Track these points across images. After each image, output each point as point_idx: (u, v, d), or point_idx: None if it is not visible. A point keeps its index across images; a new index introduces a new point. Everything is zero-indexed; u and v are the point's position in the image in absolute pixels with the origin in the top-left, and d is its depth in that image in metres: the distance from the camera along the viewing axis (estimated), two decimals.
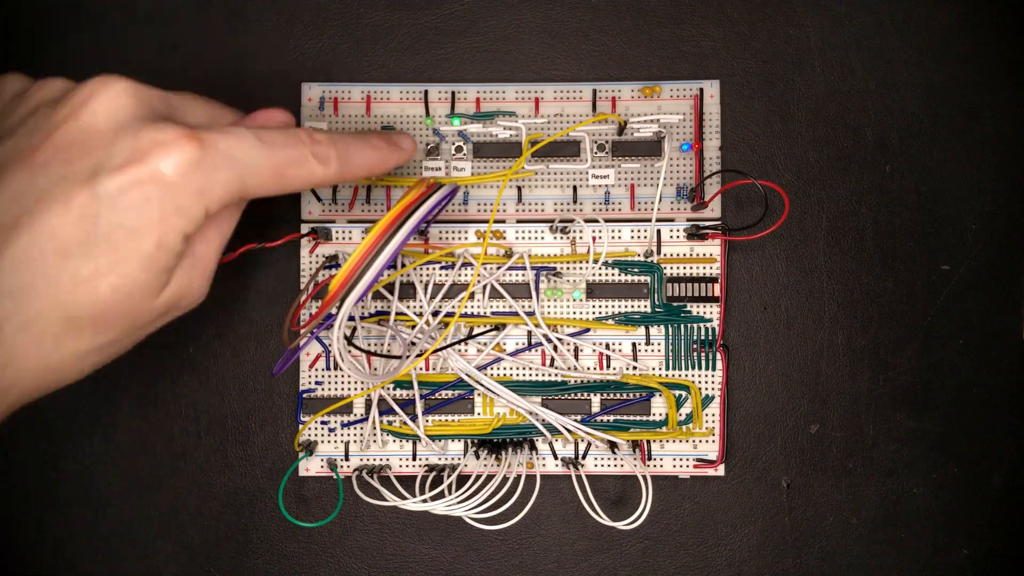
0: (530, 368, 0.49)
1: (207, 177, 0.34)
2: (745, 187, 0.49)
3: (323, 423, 0.49)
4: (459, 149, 0.49)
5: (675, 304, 0.49)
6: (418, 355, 0.47)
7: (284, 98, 0.50)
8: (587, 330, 0.49)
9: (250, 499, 0.50)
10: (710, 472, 0.49)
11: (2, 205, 0.33)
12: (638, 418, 0.49)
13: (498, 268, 0.48)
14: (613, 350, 0.49)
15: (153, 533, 0.50)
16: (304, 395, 0.49)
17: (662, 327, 0.49)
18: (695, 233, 0.48)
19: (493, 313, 0.49)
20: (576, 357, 0.49)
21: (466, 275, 0.49)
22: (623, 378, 0.48)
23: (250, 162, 0.35)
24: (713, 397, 0.49)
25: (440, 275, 0.49)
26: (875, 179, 0.50)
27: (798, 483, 0.50)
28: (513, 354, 0.49)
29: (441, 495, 0.46)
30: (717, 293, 0.49)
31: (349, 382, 0.49)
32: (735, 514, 0.50)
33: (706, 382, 0.49)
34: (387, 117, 0.49)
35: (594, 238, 0.49)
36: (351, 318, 0.48)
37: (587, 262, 0.49)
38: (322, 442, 0.49)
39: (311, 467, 0.49)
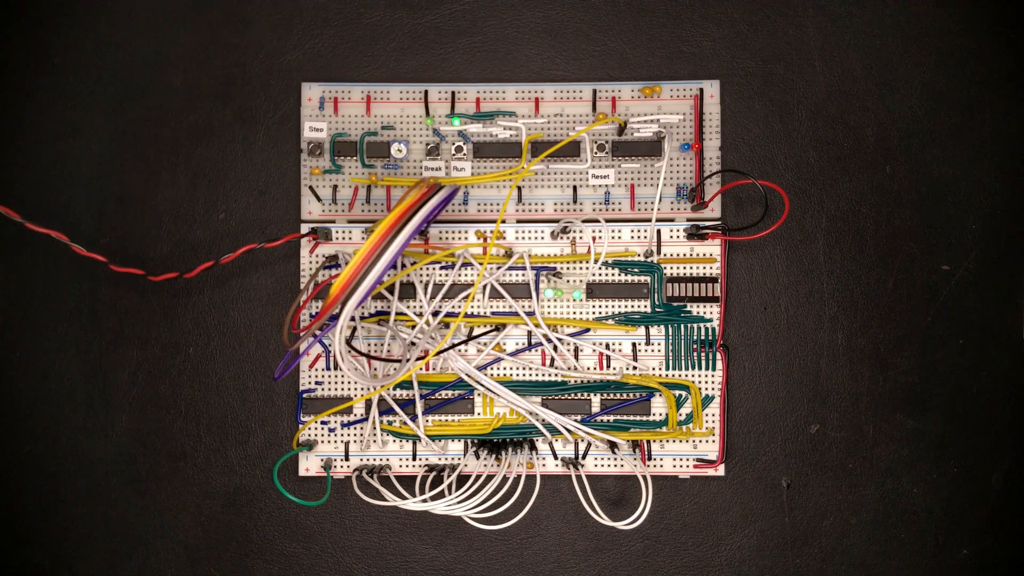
0: (530, 368, 0.49)
1: None
2: (745, 187, 0.49)
3: (323, 423, 0.49)
4: (459, 149, 0.49)
5: (675, 304, 0.49)
6: (419, 358, 0.47)
7: (284, 98, 0.50)
8: (587, 330, 0.49)
9: (250, 499, 0.50)
10: (710, 472, 0.49)
11: None
12: (638, 418, 0.49)
13: (498, 268, 0.48)
14: (613, 350, 0.49)
15: (153, 533, 0.50)
16: (304, 395, 0.49)
17: (662, 327, 0.49)
18: (695, 233, 0.48)
19: (493, 313, 0.49)
20: (576, 357, 0.49)
21: (466, 275, 0.49)
22: (623, 378, 0.48)
23: None
24: (713, 397, 0.49)
25: (440, 275, 0.49)
26: (875, 179, 0.50)
27: (798, 483, 0.50)
28: (513, 354, 0.49)
29: (441, 495, 0.46)
30: (717, 293, 0.49)
31: (349, 382, 0.49)
32: (735, 514, 0.50)
33: (706, 382, 0.49)
34: (387, 117, 0.49)
35: (594, 238, 0.49)
36: (351, 319, 0.48)
37: (587, 262, 0.49)
38: (322, 442, 0.49)
39: (311, 467, 0.49)
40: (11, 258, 0.50)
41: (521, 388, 0.48)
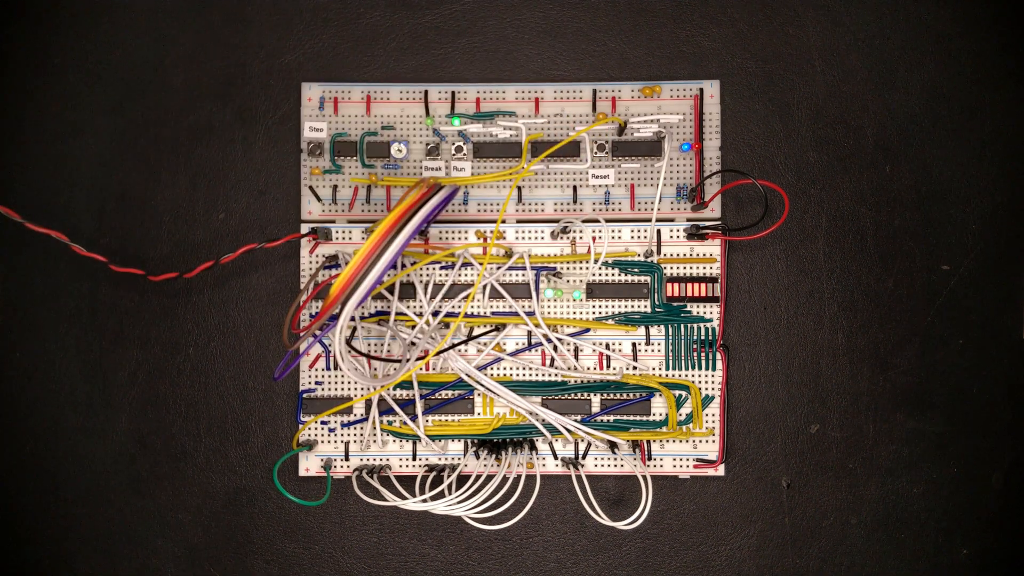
0: (530, 368, 0.49)
1: None
2: (745, 187, 0.49)
3: (323, 423, 0.49)
4: (459, 149, 0.49)
5: (675, 304, 0.49)
6: (419, 358, 0.47)
7: (284, 98, 0.50)
8: (587, 330, 0.49)
9: (250, 499, 0.50)
10: (710, 472, 0.49)
11: None
12: (638, 418, 0.49)
13: (498, 268, 0.48)
14: (613, 350, 0.49)
15: (153, 533, 0.50)
16: (304, 395, 0.49)
17: (662, 327, 0.49)
18: (695, 233, 0.48)
19: (493, 313, 0.49)
20: (576, 357, 0.49)
21: (466, 275, 0.49)
22: (623, 378, 0.48)
23: None
24: (713, 397, 0.49)
25: (440, 275, 0.49)
26: (875, 179, 0.50)
27: (798, 483, 0.50)
28: (513, 354, 0.49)
29: (441, 495, 0.46)
30: (717, 293, 0.49)
31: (349, 382, 0.49)
32: (735, 514, 0.50)
33: (706, 382, 0.49)
34: (387, 117, 0.49)
35: (594, 238, 0.49)
36: (351, 319, 0.48)
37: (587, 262, 0.49)
38: (322, 442, 0.49)
39: (311, 467, 0.49)
40: (11, 258, 0.50)
41: (521, 388, 0.48)
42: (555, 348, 0.48)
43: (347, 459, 0.49)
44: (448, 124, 0.49)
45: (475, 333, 0.49)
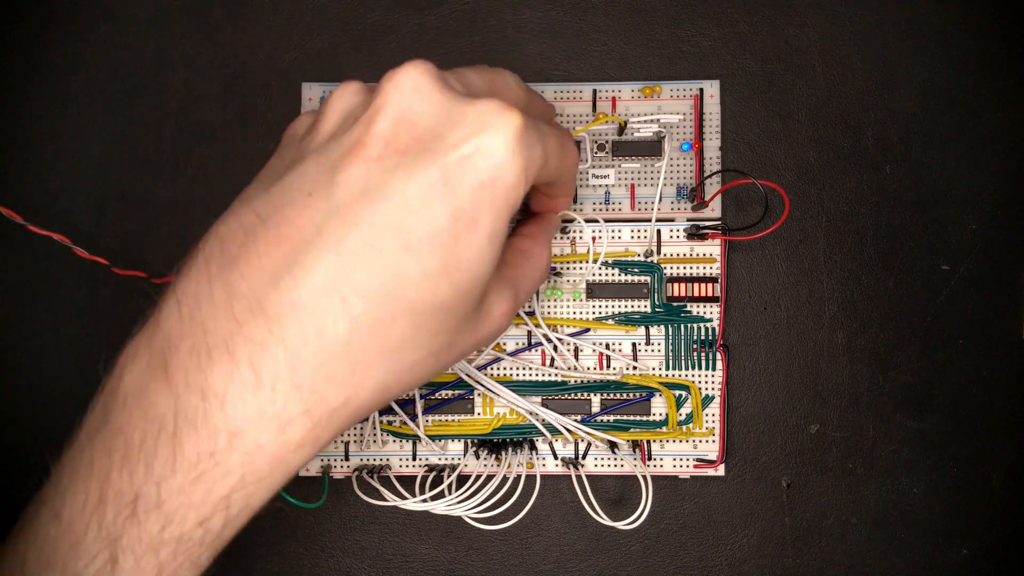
0: (530, 368, 0.49)
1: (529, 152, 0.31)
2: (745, 187, 0.49)
3: None
4: None
5: (675, 304, 0.49)
6: None
7: (284, 98, 0.50)
8: (587, 330, 0.49)
9: None
10: (710, 472, 0.49)
11: (340, 200, 0.30)
12: (638, 418, 0.49)
13: None
14: (613, 350, 0.49)
15: None
16: None
17: (662, 327, 0.49)
18: (695, 233, 0.48)
19: None
20: (576, 357, 0.49)
21: None
22: (623, 378, 0.48)
23: (549, 138, 0.33)
24: (713, 397, 0.49)
25: None
26: (875, 179, 0.50)
27: (798, 483, 0.50)
28: (513, 354, 0.49)
29: (441, 495, 0.46)
30: (717, 293, 0.49)
31: None
32: (735, 514, 0.50)
33: (706, 382, 0.49)
34: None
35: (594, 238, 0.49)
36: None
37: (587, 262, 0.49)
38: None
39: (311, 467, 0.49)
40: (11, 258, 0.50)
41: (521, 388, 0.48)
42: (555, 348, 0.48)
43: (347, 459, 0.49)
44: None
45: None
